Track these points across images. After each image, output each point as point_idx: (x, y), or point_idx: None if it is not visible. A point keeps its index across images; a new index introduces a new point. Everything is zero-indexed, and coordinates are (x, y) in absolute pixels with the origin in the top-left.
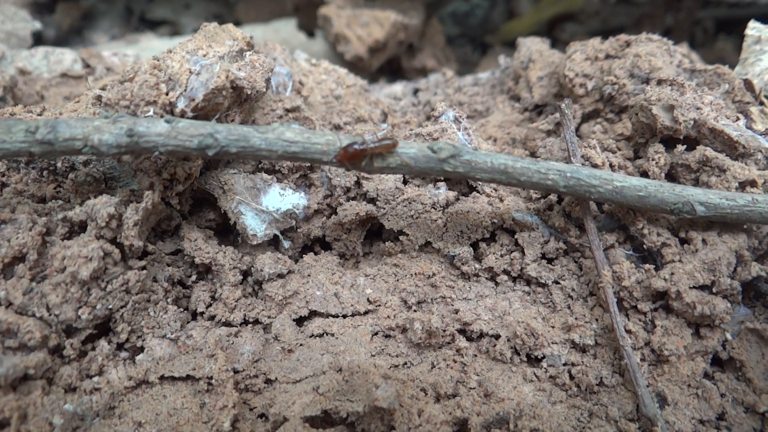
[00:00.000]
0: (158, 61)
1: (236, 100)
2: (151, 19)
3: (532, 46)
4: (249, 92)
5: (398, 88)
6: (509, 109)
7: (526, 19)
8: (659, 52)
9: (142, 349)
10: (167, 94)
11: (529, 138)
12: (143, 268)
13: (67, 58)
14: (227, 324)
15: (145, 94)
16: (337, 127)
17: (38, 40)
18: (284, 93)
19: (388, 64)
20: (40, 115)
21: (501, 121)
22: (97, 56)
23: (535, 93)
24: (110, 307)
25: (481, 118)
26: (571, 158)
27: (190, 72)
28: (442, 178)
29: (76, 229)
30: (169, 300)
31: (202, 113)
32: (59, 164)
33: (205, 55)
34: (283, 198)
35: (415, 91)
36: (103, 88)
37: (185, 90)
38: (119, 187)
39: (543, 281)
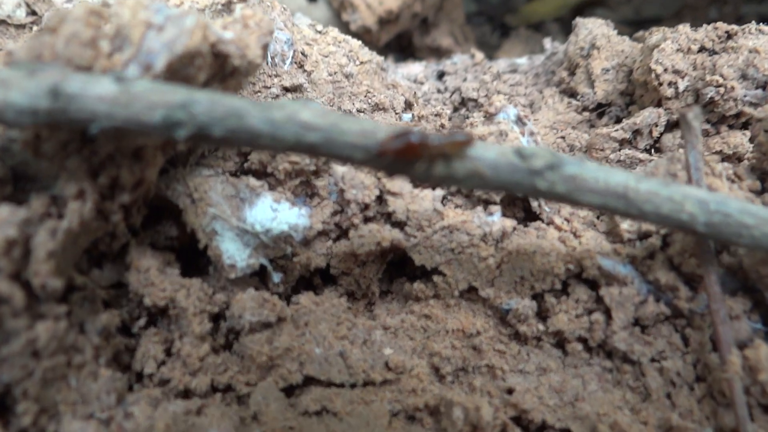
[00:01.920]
0: (100, 5)
1: (217, 73)
2: None
3: (596, 29)
4: (238, 63)
5: (418, 69)
6: (562, 105)
7: (551, 1)
8: None
9: None
10: (110, 56)
11: (596, 146)
12: (66, 314)
13: (8, 1)
14: (186, 393)
15: (74, 54)
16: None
17: None
18: (282, 65)
19: (397, 40)
20: None
21: (553, 121)
22: (47, 1)
23: (599, 89)
24: (5, 380)
25: None
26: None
27: (149, 25)
28: (497, 200)
29: None
30: (101, 361)
31: None
32: None
33: (178, 5)
34: (276, 214)
35: (440, 75)
36: None
37: (138, 52)
38: (34, 190)
39: (634, 357)
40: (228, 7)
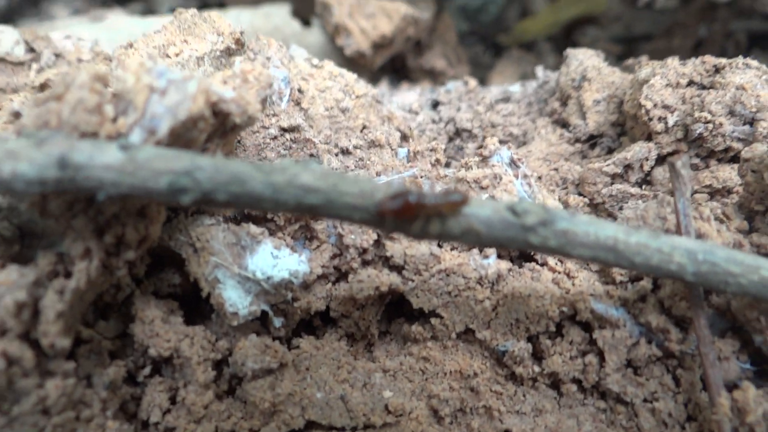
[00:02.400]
0: (104, 68)
1: (218, 129)
2: None
3: (586, 61)
4: (239, 121)
5: (413, 97)
6: (555, 137)
7: (542, 19)
8: (759, 82)
9: None
10: (115, 120)
11: (588, 181)
12: (74, 370)
13: (6, 38)
14: None
15: (80, 121)
16: (345, 152)
17: None
18: (279, 104)
19: (391, 63)
20: None
21: (546, 153)
22: (45, 39)
23: (590, 120)
24: None
25: (517, 145)
26: (682, 235)
27: (152, 89)
28: None
29: None
30: (108, 413)
31: None
32: None
33: (178, 54)
34: (276, 261)
35: (435, 105)
36: (41, 87)
37: (142, 117)
38: (41, 247)
39: (627, 398)
40: (227, 54)
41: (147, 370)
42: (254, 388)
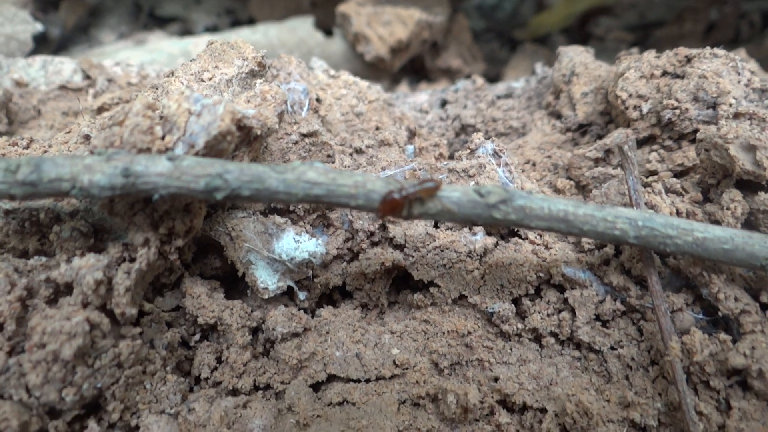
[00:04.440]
0: (152, 96)
1: (244, 140)
2: (161, 16)
3: (575, 57)
4: (259, 132)
5: (424, 98)
6: (549, 127)
7: (557, 12)
8: (725, 70)
9: (137, 429)
10: (163, 138)
11: (574, 165)
12: (139, 333)
13: (66, 68)
14: (234, 392)
15: (137, 140)
16: (359, 151)
17: (42, 38)
18: (300, 113)
19: (410, 64)
20: (27, 147)
21: (540, 142)
22: (98, 66)
23: (579, 111)
24: (99, 385)
25: (518, 137)
26: (634, 207)
27: (190, 113)
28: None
29: (63, 290)
30: (168, 369)
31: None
32: (42, 215)
33: (210, 78)
34: (298, 245)
35: (443, 103)
36: (99, 110)
37: (184, 134)
38: (110, 240)
39: (597, 347)
40: (251, 75)
41: (197, 336)
42: (284, 348)
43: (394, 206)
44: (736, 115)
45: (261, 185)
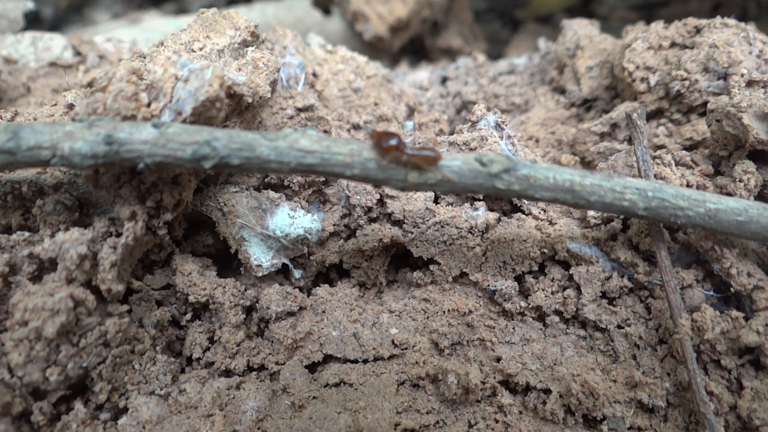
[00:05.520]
0: (138, 63)
1: (235, 109)
2: None
3: (580, 30)
4: (251, 100)
5: (424, 75)
6: (552, 103)
7: None
8: (736, 40)
9: (125, 410)
10: (148, 105)
11: (579, 141)
12: (127, 311)
13: (56, 44)
14: (227, 373)
15: (121, 107)
16: (356, 127)
17: (35, 19)
18: (296, 87)
19: (410, 44)
20: (11, 120)
21: (544, 118)
22: (89, 43)
23: (584, 85)
24: (84, 365)
25: (520, 113)
26: (643, 178)
27: (176, 78)
28: (481, 197)
29: (47, 266)
30: (158, 348)
31: None
32: (24, 188)
33: (201, 48)
34: (293, 221)
35: (443, 80)
36: (89, 85)
37: (170, 101)
38: (96, 214)
39: (603, 325)
40: (244, 45)
41: (188, 315)
42: (278, 327)
43: (387, 148)
44: (749, 83)
45: (251, 153)
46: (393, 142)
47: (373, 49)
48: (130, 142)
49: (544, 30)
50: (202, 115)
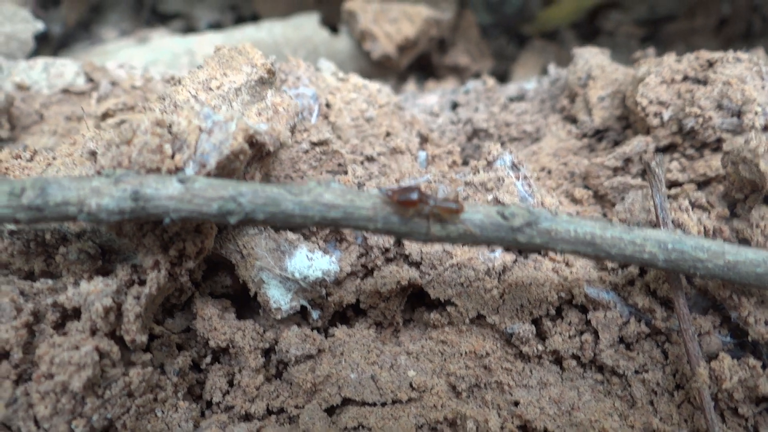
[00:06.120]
0: (160, 113)
1: (256, 155)
2: (163, 12)
3: (591, 59)
4: (272, 148)
5: (434, 99)
6: (564, 133)
7: (566, 6)
8: (749, 75)
9: None
10: (173, 157)
11: (592, 174)
12: (150, 360)
13: (68, 70)
14: (247, 417)
15: (146, 160)
16: (370, 159)
17: (43, 36)
18: (309, 119)
19: (417, 62)
20: (30, 160)
21: (555, 149)
22: (101, 69)
23: (596, 116)
24: (109, 416)
25: (531, 142)
26: (661, 226)
27: (200, 130)
28: None
29: (70, 314)
30: (179, 395)
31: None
32: (48, 236)
33: (218, 87)
34: (311, 263)
35: (454, 105)
36: (104, 116)
37: (195, 153)
38: (119, 261)
39: (620, 371)
40: (260, 82)
41: (208, 359)
42: (297, 371)
43: (405, 203)
44: (766, 127)
45: (276, 208)
46: (414, 196)
47: (381, 67)
48: (156, 198)
49: (550, 47)
50: (226, 168)
